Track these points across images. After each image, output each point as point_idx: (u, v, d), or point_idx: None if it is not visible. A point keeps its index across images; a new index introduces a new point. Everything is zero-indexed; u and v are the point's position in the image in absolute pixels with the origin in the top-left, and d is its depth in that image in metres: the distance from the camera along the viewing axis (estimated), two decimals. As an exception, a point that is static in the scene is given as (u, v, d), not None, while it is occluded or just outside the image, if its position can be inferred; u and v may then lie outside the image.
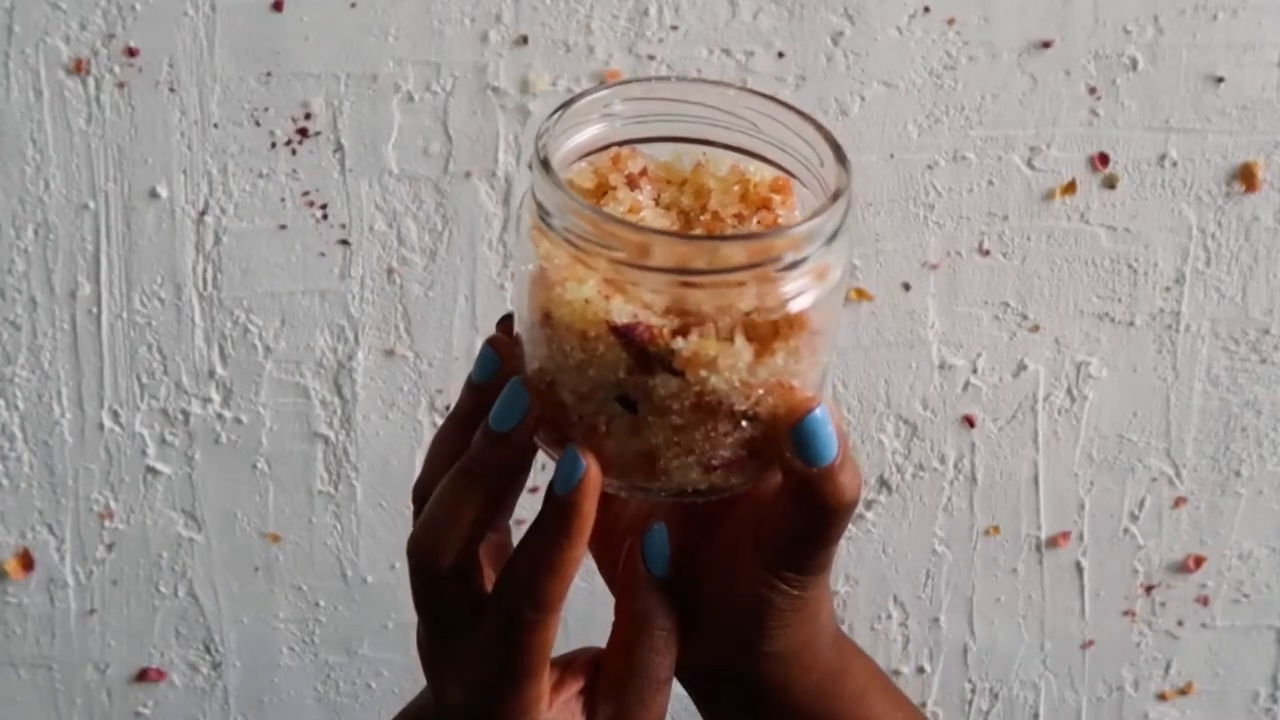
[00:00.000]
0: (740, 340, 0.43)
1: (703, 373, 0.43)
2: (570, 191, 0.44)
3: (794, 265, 0.43)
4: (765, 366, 0.44)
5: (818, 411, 0.45)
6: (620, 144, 0.48)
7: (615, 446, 0.45)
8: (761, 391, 0.44)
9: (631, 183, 0.46)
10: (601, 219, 0.43)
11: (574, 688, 0.50)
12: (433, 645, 0.49)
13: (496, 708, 0.47)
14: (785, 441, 0.45)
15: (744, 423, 0.45)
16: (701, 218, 0.46)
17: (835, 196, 0.44)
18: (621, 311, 0.43)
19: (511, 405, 0.46)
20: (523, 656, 0.47)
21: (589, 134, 0.47)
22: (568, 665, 0.51)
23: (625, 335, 0.43)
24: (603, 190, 0.46)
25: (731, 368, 0.43)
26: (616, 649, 0.50)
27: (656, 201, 0.47)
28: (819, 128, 0.47)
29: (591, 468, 0.45)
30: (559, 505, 0.45)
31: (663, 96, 0.48)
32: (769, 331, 0.44)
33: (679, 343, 0.43)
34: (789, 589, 0.48)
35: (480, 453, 0.46)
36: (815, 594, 0.49)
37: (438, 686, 0.50)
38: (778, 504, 0.47)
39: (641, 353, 0.43)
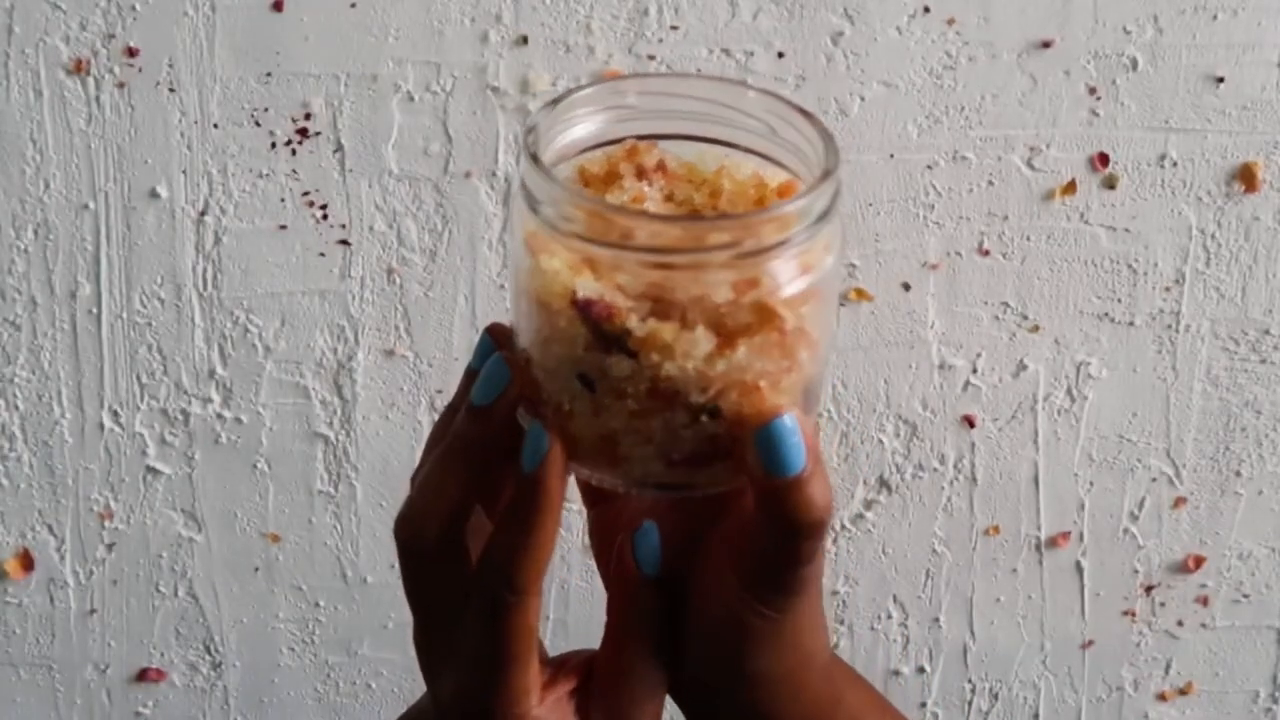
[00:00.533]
0: (701, 329, 0.42)
1: (655, 357, 0.42)
2: (549, 172, 0.43)
3: (775, 248, 0.42)
4: (726, 359, 0.43)
5: (785, 419, 0.43)
6: (640, 138, 0.47)
7: (578, 427, 0.45)
8: (722, 386, 0.43)
9: (642, 174, 0.46)
10: (577, 198, 0.43)
11: (566, 686, 0.49)
12: (425, 638, 0.49)
13: (485, 700, 0.47)
14: (749, 446, 0.44)
15: (704, 417, 0.44)
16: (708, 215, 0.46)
17: (824, 176, 0.43)
18: (587, 287, 0.42)
19: (492, 380, 0.46)
20: (505, 642, 0.46)
21: (597, 124, 0.47)
22: (561, 665, 0.50)
23: (584, 310, 0.42)
24: (612, 179, 0.46)
25: (687, 355, 0.42)
26: (608, 649, 0.50)
27: (670, 197, 0.46)
28: (809, 118, 0.46)
29: (555, 444, 0.44)
30: (526, 483, 0.45)
31: (678, 93, 0.48)
32: (740, 327, 0.43)
33: (634, 322, 0.42)
34: (764, 609, 0.47)
35: (463, 428, 0.46)
36: (794, 618, 0.47)
37: (431, 682, 0.49)
38: (751, 516, 0.46)
39: (599, 330, 0.43)
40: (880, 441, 0.89)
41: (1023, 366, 0.88)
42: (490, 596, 0.46)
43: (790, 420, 0.44)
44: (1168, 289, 0.87)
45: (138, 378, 0.86)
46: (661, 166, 0.46)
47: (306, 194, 0.83)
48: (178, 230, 0.84)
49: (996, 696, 0.96)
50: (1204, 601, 0.94)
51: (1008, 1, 0.81)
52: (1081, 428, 0.89)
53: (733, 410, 0.44)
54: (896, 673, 0.94)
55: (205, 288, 0.85)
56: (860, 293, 0.86)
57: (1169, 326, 0.88)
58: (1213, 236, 0.86)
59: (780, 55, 0.81)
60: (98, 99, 0.81)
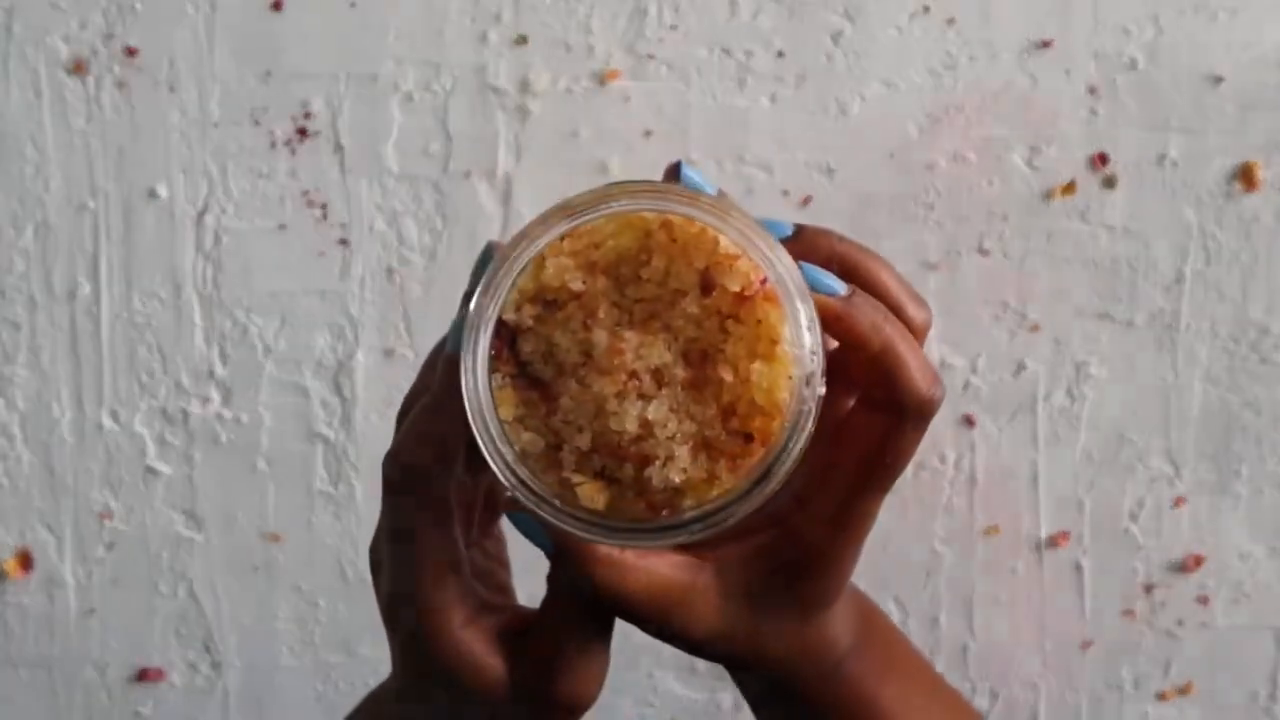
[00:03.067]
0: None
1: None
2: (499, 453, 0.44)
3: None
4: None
5: (515, 517, 0.46)
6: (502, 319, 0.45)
7: None
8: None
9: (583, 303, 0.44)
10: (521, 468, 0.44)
11: (500, 621, 0.49)
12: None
13: (408, 606, 0.48)
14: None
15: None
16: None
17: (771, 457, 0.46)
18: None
19: (456, 330, 0.47)
20: (406, 525, 0.47)
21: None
22: (511, 609, 0.50)
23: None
24: (563, 301, 0.45)
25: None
26: (543, 604, 0.50)
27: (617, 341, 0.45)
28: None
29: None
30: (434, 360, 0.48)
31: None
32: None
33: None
34: None
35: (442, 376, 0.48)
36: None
37: (380, 608, 0.50)
38: None
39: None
40: (880, 441, 0.89)
41: (1023, 366, 0.88)
42: (387, 479, 0.47)
43: (521, 519, 0.46)
44: (1168, 289, 0.87)
45: (137, 378, 0.86)
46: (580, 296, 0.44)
47: (306, 194, 0.83)
48: (177, 230, 0.84)
49: (997, 696, 0.96)
50: (1204, 601, 0.94)
51: (1008, 1, 0.81)
52: (1081, 428, 0.89)
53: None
54: (896, 673, 0.94)
55: (205, 287, 0.85)
56: (860, 293, 0.86)
57: (1169, 326, 0.88)
58: (1213, 236, 0.86)
59: (780, 55, 0.81)
60: (98, 99, 0.81)
